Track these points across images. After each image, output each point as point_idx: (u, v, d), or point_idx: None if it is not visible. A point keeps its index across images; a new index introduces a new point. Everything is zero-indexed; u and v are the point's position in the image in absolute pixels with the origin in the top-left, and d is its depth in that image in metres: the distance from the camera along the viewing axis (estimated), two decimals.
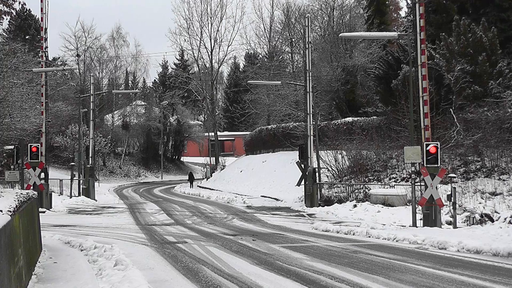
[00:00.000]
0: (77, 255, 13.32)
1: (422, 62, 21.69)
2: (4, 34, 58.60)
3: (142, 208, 30.65)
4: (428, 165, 18.77)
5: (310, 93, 30.52)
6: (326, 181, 31.34)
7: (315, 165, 30.17)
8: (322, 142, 33.36)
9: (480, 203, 21.47)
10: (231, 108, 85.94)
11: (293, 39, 54.00)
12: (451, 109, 27.42)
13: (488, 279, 10.17)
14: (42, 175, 28.52)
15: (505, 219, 18.77)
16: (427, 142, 19.46)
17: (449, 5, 32.90)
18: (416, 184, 20.44)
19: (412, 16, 36.23)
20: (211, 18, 63.09)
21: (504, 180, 23.36)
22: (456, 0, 32.88)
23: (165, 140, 79.09)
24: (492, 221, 19.32)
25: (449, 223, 19.53)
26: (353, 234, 17.24)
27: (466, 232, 16.87)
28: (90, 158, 39.41)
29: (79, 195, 36.50)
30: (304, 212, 26.85)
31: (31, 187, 26.22)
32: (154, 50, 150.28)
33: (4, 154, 36.13)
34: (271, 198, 34.78)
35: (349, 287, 9.59)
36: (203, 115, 79.08)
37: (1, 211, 7.91)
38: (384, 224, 19.75)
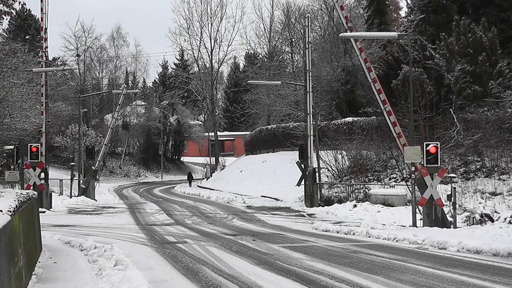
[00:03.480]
0: (77, 255, 13.32)
1: (372, 78, 22.22)
2: (4, 34, 58.60)
3: (142, 208, 30.65)
4: (428, 165, 18.77)
5: (310, 93, 30.52)
6: (326, 181, 31.34)
7: (315, 165, 30.16)
8: (322, 142, 33.34)
9: (480, 203, 21.47)
10: (231, 108, 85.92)
11: (293, 39, 54.00)
12: (451, 109, 27.42)
13: (488, 279, 10.17)
14: (42, 175, 28.54)
15: (505, 219, 18.76)
16: (427, 142, 19.51)
17: (449, 5, 32.91)
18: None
19: (412, 16, 36.31)
20: (211, 18, 63.13)
21: (504, 180, 23.37)
22: (456, 0, 32.89)
23: (165, 140, 79.09)
24: (492, 221, 19.31)
25: (449, 223, 19.52)
26: (353, 234, 17.24)
27: (466, 232, 16.87)
28: (98, 162, 40.07)
29: (79, 195, 36.49)
30: (304, 212, 26.85)
31: (31, 187, 26.23)
32: (154, 50, 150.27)
33: (4, 154, 36.12)
34: (271, 198, 34.77)
35: (349, 287, 9.59)
36: (203, 115, 79.09)
37: (1, 211, 7.91)
38: (384, 224, 19.75)
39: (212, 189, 46.43)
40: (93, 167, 37.72)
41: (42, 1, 30.16)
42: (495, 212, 20.12)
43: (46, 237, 15.80)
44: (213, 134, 66.08)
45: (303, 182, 29.87)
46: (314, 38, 46.60)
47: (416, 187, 19.75)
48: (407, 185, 24.18)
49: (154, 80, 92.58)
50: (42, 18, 30.77)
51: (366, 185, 28.39)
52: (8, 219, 7.85)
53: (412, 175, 20.12)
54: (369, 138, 31.39)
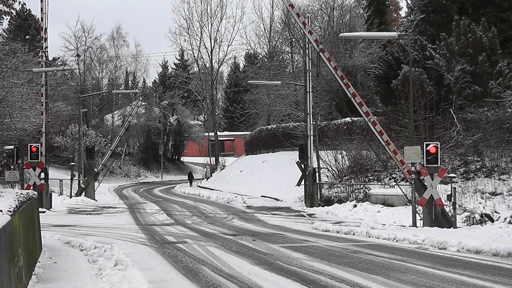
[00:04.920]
0: (77, 255, 13.31)
1: (352, 93, 22.49)
2: (4, 34, 58.55)
3: (142, 208, 30.65)
4: (428, 165, 18.77)
5: (310, 93, 30.52)
6: (326, 181, 31.33)
7: (315, 165, 30.16)
8: (322, 142, 33.33)
9: (480, 203, 21.46)
10: (231, 108, 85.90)
11: (293, 39, 53.96)
12: (451, 109, 27.42)
13: (488, 279, 10.17)
14: (42, 175, 28.54)
15: (505, 219, 18.74)
16: (427, 142, 19.52)
17: (449, 5, 32.89)
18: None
19: (412, 16, 36.29)
20: (211, 18, 63.09)
21: (504, 180, 23.36)
22: (456, 0, 32.87)
23: (165, 140, 79.08)
24: (492, 221, 19.30)
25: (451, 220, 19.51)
26: (353, 234, 17.24)
27: (466, 232, 16.86)
28: (101, 165, 41.59)
29: (77, 194, 36.50)
30: (304, 212, 26.85)
31: (31, 187, 26.22)
32: (154, 50, 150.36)
33: (4, 154, 36.12)
34: (271, 198, 34.76)
35: (349, 287, 9.59)
36: (203, 115, 79.12)
37: (1, 211, 7.90)
38: (384, 224, 19.75)
39: (212, 189, 46.43)
40: (95, 169, 37.97)
41: (42, 1, 30.16)
42: (495, 212, 20.11)
43: (46, 237, 15.79)
44: (213, 134, 66.08)
45: (303, 182, 29.86)
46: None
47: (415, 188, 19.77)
48: (398, 185, 24.22)
49: (154, 80, 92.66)
50: (42, 18, 30.76)
51: (366, 185, 28.39)
52: (8, 219, 7.85)
53: (413, 175, 20.11)
54: (369, 138, 31.35)
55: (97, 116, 71.47)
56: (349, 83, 23.49)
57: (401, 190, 23.54)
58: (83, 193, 36.82)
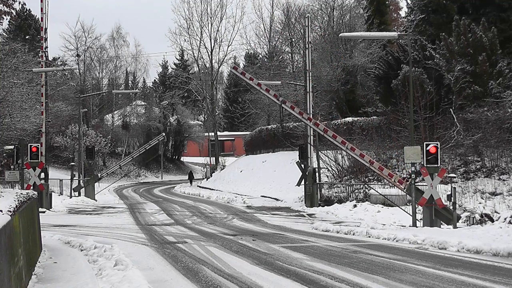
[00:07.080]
0: (77, 255, 13.31)
1: (323, 129, 22.72)
2: (4, 34, 58.55)
3: (142, 208, 30.65)
4: (428, 165, 18.77)
5: (310, 93, 30.51)
6: (326, 181, 31.33)
7: (315, 165, 30.15)
8: (322, 142, 33.33)
9: (480, 203, 21.48)
10: (231, 108, 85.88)
11: (293, 39, 53.98)
12: (451, 109, 27.43)
13: (488, 279, 10.17)
14: (42, 175, 28.54)
15: (505, 219, 18.73)
16: (427, 142, 19.52)
17: (449, 5, 32.90)
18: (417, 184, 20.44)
19: (412, 16, 36.29)
20: (211, 18, 63.05)
21: (504, 180, 23.37)
22: (456, 0, 32.88)
23: (165, 140, 79.05)
24: (492, 221, 19.31)
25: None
26: (353, 234, 17.24)
27: (466, 232, 16.86)
28: (105, 171, 42.50)
29: (79, 195, 36.52)
30: (304, 212, 26.85)
31: (31, 187, 26.22)
32: (154, 50, 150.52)
33: (4, 154, 36.14)
34: (271, 198, 34.75)
35: (349, 287, 9.59)
36: (203, 115, 79.09)
37: (1, 211, 7.90)
38: (384, 224, 19.75)
39: (212, 189, 46.43)
40: (98, 174, 38.15)
41: (42, 1, 30.16)
42: (495, 212, 20.12)
43: (46, 237, 15.79)
44: (213, 134, 66.07)
45: (303, 182, 29.86)
46: (314, 38, 46.57)
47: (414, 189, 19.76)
48: (372, 188, 24.29)
49: (154, 80, 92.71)
50: (42, 18, 30.75)
51: (366, 185, 28.38)
52: (8, 219, 7.85)
53: (413, 175, 20.10)
54: (369, 138, 31.38)
55: (97, 116, 71.48)
56: (318, 122, 24.00)
57: (379, 193, 23.64)
58: (83, 192, 36.87)
